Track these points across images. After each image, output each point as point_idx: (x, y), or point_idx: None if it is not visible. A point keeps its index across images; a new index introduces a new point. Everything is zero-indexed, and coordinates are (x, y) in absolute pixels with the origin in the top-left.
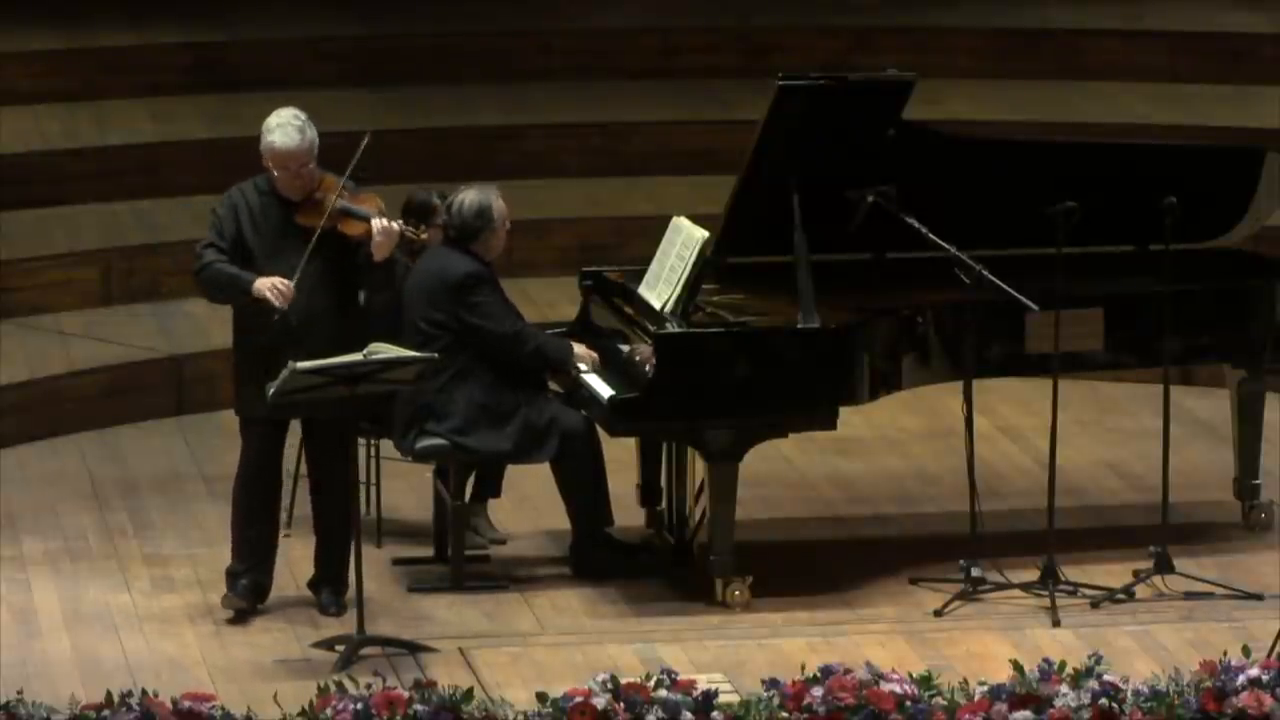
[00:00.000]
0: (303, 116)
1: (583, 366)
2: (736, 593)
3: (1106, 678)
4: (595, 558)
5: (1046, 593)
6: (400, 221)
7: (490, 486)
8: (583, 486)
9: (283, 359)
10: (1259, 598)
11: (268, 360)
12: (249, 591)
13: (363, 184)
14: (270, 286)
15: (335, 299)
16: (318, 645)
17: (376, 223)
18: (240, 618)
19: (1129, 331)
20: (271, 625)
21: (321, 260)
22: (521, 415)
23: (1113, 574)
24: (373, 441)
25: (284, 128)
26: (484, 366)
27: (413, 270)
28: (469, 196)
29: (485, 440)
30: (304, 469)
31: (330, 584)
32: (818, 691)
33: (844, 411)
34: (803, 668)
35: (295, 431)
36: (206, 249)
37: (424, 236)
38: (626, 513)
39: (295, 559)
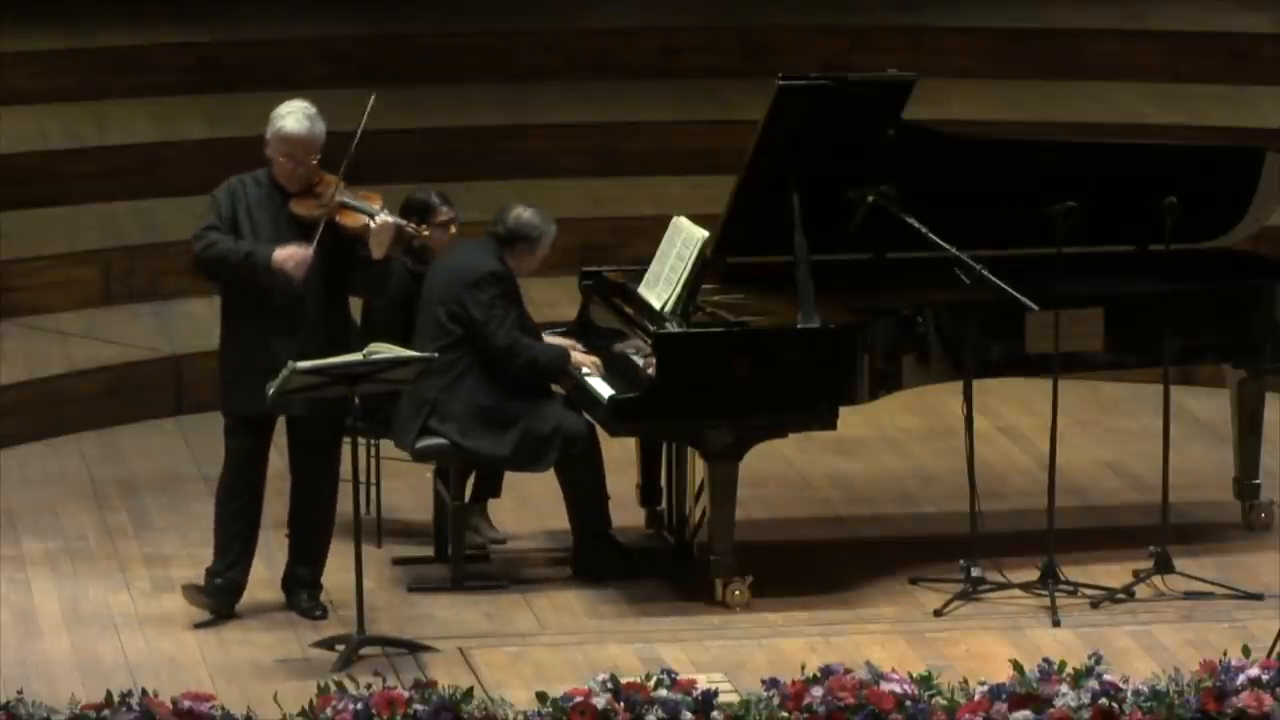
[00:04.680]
0: (314, 110)
1: (583, 370)
2: (736, 593)
3: (1106, 678)
4: (596, 558)
5: (1046, 593)
6: (401, 219)
7: (490, 486)
8: (583, 487)
9: (273, 352)
10: (1259, 598)
11: (259, 355)
12: (223, 591)
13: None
14: (289, 256)
15: (327, 293)
16: (318, 645)
17: (378, 217)
18: (225, 618)
19: (1129, 331)
20: (271, 625)
21: (320, 253)
22: (524, 423)
23: (1113, 574)
24: (373, 441)
25: (295, 115)
26: (489, 370)
27: (437, 261)
28: (529, 209)
29: (485, 444)
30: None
31: (309, 588)
32: (818, 691)
33: (844, 411)
34: (803, 668)
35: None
36: (207, 230)
37: (425, 233)
38: (626, 513)
39: None
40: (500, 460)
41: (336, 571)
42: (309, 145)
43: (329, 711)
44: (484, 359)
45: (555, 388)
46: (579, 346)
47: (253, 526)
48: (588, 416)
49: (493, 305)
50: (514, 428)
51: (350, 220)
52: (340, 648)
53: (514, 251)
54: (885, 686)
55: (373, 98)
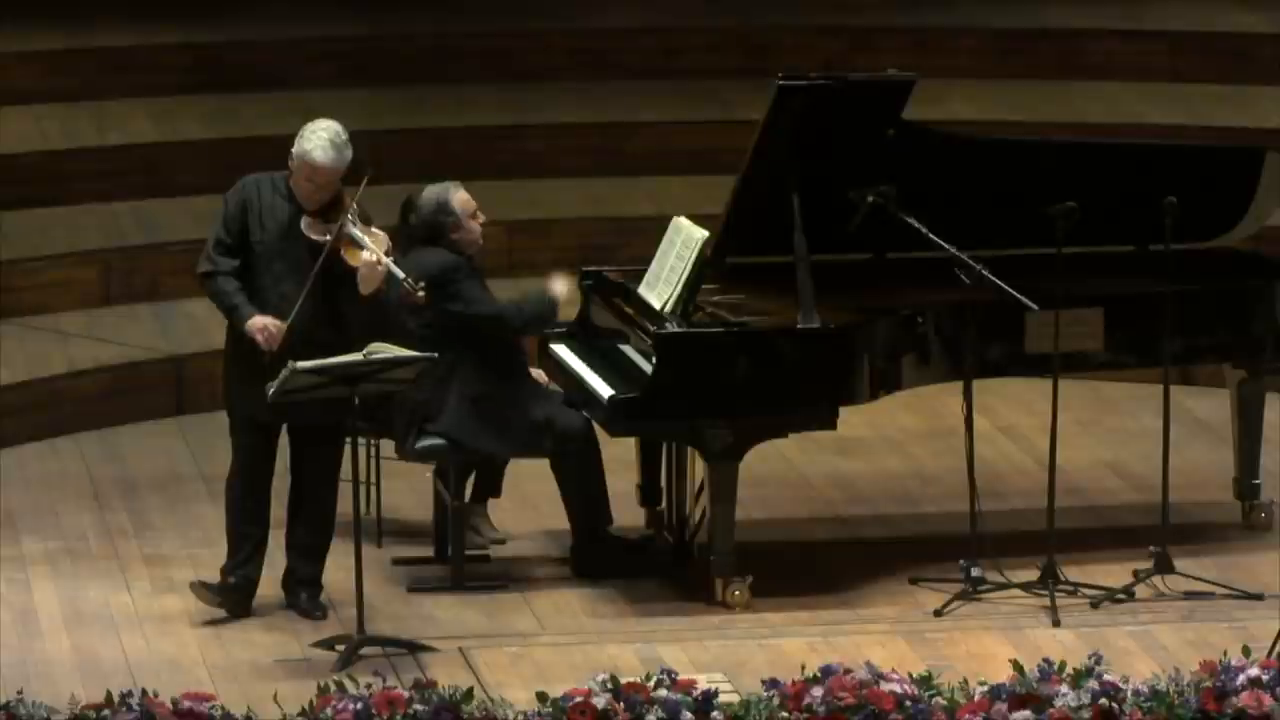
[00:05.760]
0: (344, 135)
1: (560, 290)
2: (736, 593)
3: (1106, 678)
4: (595, 558)
5: (1046, 593)
6: (401, 272)
7: (490, 486)
8: (582, 487)
9: (279, 363)
10: (1259, 598)
11: (260, 363)
12: (237, 589)
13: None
14: (261, 329)
15: (327, 312)
16: (318, 645)
17: (367, 255)
18: (240, 617)
19: (1129, 331)
20: (271, 625)
21: (321, 274)
22: (517, 410)
23: (1113, 574)
24: (373, 441)
25: (323, 145)
26: (474, 361)
27: None
28: (426, 194)
29: (481, 435)
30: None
31: (309, 588)
32: (818, 691)
33: (844, 411)
34: (803, 668)
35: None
36: (215, 247)
37: (420, 295)
38: (626, 513)
39: None
40: (501, 446)
41: (336, 571)
42: (333, 175)
43: (329, 711)
44: (469, 349)
45: (553, 385)
46: (540, 376)
47: (263, 524)
48: (586, 415)
49: (463, 291)
50: (507, 415)
51: (350, 256)
52: (340, 648)
53: (449, 237)
54: (885, 686)
55: (365, 180)
